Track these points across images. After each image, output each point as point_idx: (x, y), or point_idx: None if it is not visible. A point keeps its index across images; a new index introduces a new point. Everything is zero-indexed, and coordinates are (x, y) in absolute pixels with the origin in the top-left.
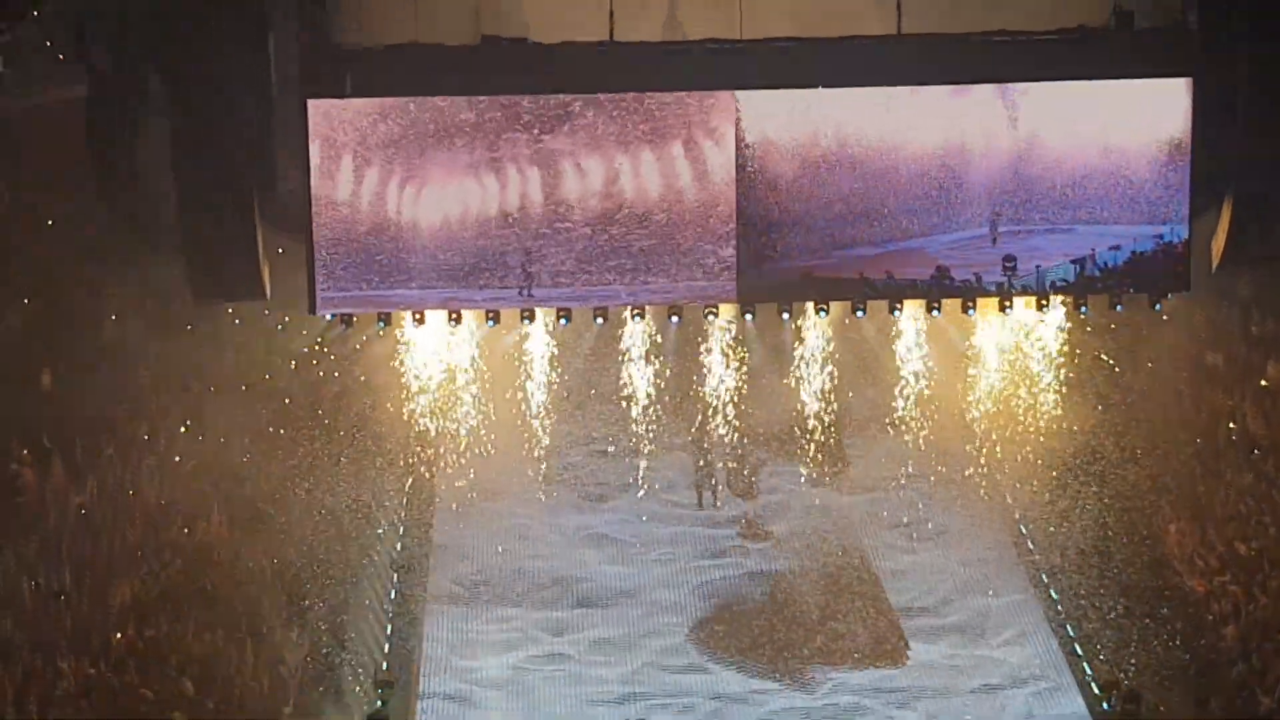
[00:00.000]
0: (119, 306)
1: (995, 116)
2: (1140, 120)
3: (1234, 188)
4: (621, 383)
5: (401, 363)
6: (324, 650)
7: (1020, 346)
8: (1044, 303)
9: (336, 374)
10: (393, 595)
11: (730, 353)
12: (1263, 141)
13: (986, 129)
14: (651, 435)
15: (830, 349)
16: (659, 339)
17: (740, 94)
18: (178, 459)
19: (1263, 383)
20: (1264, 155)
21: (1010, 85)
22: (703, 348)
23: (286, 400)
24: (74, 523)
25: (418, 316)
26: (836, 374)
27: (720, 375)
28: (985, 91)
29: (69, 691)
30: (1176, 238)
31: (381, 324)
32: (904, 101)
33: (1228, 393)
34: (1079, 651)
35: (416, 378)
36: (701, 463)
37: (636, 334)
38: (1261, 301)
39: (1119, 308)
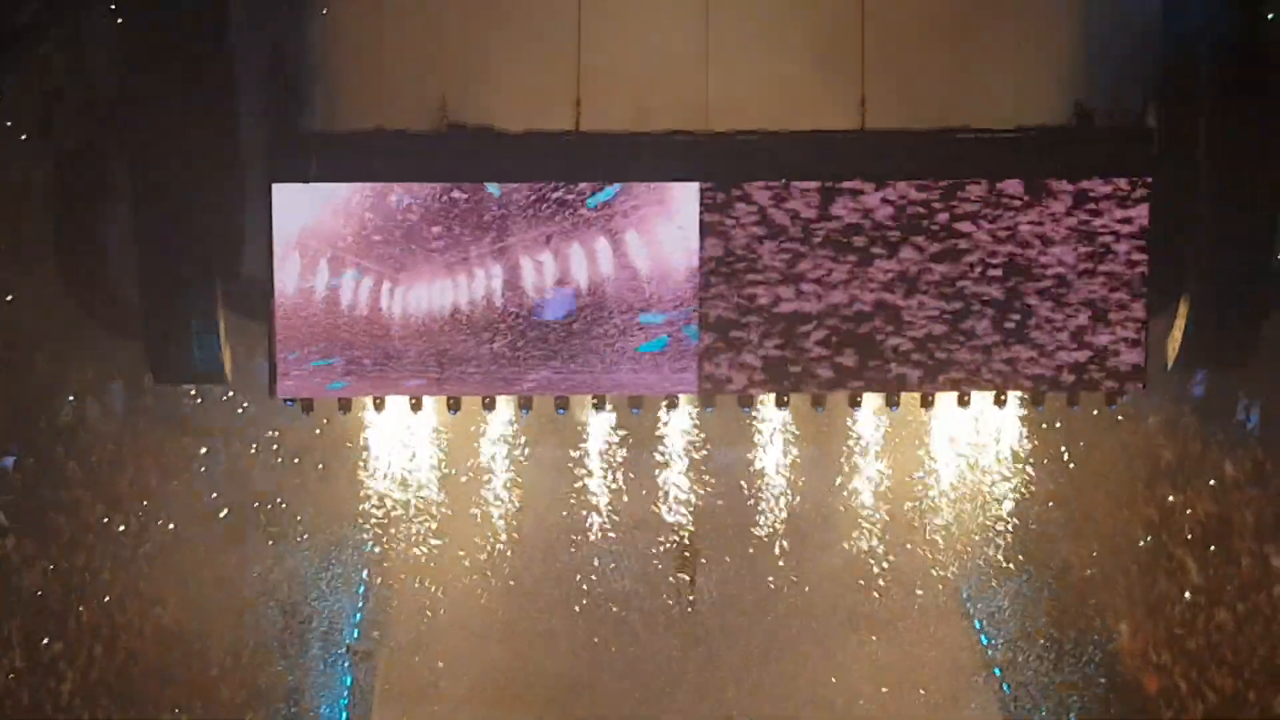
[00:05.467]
0: (78, 387)
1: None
2: (1099, 219)
3: (1190, 287)
4: (582, 472)
5: (361, 449)
6: None
7: (977, 442)
8: (1002, 399)
9: (296, 460)
10: (349, 682)
11: (691, 445)
12: (1219, 241)
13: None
14: (614, 526)
15: (788, 441)
16: (620, 430)
17: (704, 185)
18: (134, 542)
19: (1213, 481)
20: (1220, 255)
21: (969, 181)
22: (664, 438)
23: (246, 484)
24: (29, 603)
25: (378, 402)
26: (795, 465)
27: (679, 468)
28: (944, 186)
29: None
30: (1133, 336)
31: (342, 411)
32: (869, 196)
33: (1180, 490)
34: None
35: (376, 464)
36: (664, 552)
37: (598, 425)
38: (1214, 400)
39: (1075, 407)
